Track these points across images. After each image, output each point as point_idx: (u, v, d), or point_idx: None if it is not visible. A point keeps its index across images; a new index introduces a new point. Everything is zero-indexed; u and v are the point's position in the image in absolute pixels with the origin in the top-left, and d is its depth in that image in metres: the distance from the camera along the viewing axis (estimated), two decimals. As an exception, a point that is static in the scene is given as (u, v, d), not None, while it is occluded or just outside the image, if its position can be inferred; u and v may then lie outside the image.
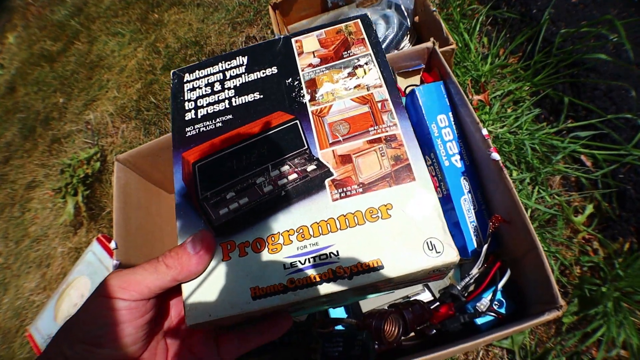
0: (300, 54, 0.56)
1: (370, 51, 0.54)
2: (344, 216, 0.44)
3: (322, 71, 0.54)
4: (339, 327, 0.73)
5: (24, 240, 1.76)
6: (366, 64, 0.53)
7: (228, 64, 0.57)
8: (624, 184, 0.93)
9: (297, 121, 0.50)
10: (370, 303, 0.75)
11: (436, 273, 0.44)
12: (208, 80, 0.56)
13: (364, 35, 0.56)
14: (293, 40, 0.58)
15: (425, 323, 0.68)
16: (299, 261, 0.42)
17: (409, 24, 1.05)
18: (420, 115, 0.77)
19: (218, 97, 0.54)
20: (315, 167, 0.47)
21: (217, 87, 0.55)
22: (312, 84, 0.53)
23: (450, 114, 0.77)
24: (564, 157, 1.00)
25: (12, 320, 1.58)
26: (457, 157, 0.75)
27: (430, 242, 0.41)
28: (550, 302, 0.57)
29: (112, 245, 0.78)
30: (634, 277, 0.83)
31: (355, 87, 0.52)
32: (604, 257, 0.90)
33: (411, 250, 0.41)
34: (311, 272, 0.42)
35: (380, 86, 0.51)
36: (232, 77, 0.56)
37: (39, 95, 2.26)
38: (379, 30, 1.04)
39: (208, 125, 0.52)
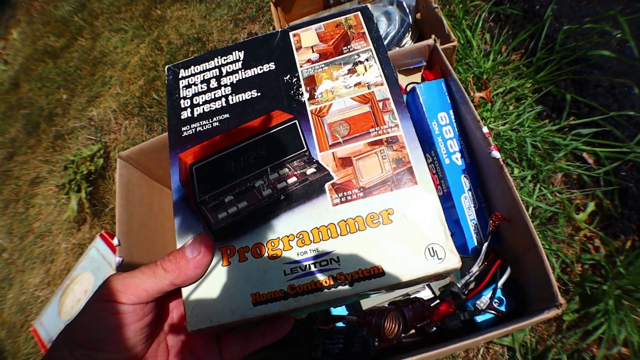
0: (298, 49, 0.55)
1: (371, 46, 0.53)
2: (345, 221, 0.43)
3: (322, 67, 0.53)
4: (340, 324, 0.73)
5: (28, 236, 1.77)
6: (367, 60, 0.52)
7: (224, 59, 0.56)
8: (626, 181, 0.93)
9: (296, 121, 0.49)
10: (371, 301, 0.75)
11: (437, 277, 0.43)
12: (204, 76, 0.55)
13: (365, 29, 0.54)
14: (291, 34, 0.56)
15: (425, 320, 0.69)
16: (300, 267, 0.42)
17: (411, 20, 1.05)
18: (421, 113, 0.77)
19: (214, 94, 0.53)
20: (315, 170, 0.46)
21: (213, 84, 0.54)
22: (311, 82, 0.52)
23: (451, 111, 0.77)
24: (566, 154, 1.00)
25: (17, 315, 1.59)
26: (458, 154, 0.75)
27: (432, 248, 0.41)
28: (550, 300, 0.57)
29: (115, 241, 0.79)
30: (635, 275, 0.83)
31: (355, 85, 0.51)
32: (606, 254, 0.90)
33: (413, 256, 0.41)
34: (312, 279, 0.41)
35: (382, 84, 0.50)
36: (228, 73, 0.54)
37: (42, 91, 2.27)
38: (380, 27, 1.04)
39: (205, 124, 0.51)
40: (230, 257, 0.43)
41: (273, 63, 0.54)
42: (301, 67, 0.53)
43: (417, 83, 0.81)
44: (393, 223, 0.42)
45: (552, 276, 0.57)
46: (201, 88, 0.54)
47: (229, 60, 0.56)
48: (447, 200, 0.75)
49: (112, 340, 0.37)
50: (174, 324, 0.46)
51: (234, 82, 0.54)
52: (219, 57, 0.56)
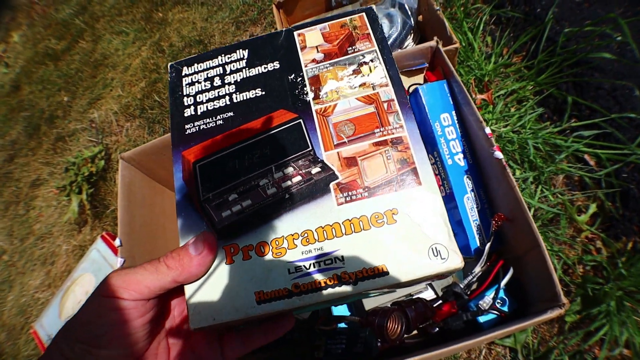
0: (303, 48, 0.54)
1: (376, 47, 0.53)
2: (349, 221, 0.43)
3: (326, 67, 0.52)
4: (342, 325, 0.73)
5: (28, 238, 1.77)
6: (372, 61, 0.52)
7: (228, 58, 0.55)
8: (628, 183, 0.93)
9: (301, 120, 0.49)
10: (373, 301, 0.75)
11: (439, 277, 0.44)
12: (207, 74, 0.55)
13: (370, 30, 0.54)
14: (296, 33, 0.56)
15: (427, 321, 0.69)
16: (304, 266, 0.42)
17: (413, 23, 1.05)
18: (423, 114, 0.77)
19: (218, 92, 0.53)
20: (319, 169, 0.46)
21: (217, 82, 0.54)
22: (316, 81, 0.52)
23: (453, 112, 0.77)
24: (568, 156, 1.00)
25: (17, 317, 1.59)
26: (460, 155, 0.75)
27: (436, 248, 0.41)
28: (552, 300, 0.58)
29: (117, 242, 0.79)
30: (637, 276, 0.83)
31: (360, 85, 0.51)
32: (607, 256, 0.90)
33: (416, 256, 0.41)
34: (316, 277, 0.42)
35: (387, 85, 0.50)
36: (232, 72, 0.54)
37: (43, 93, 2.27)
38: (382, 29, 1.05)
39: (208, 122, 0.51)
40: (234, 256, 0.43)
41: (277, 62, 0.54)
42: (306, 66, 0.53)
43: (420, 84, 0.81)
44: (397, 223, 0.42)
45: (555, 276, 0.57)
46: (205, 86, 0.54)
47: (232, 59, 0.55)
48: (449, 201, 0.75)
49: (112, 336, 0.37)
50: (175, 321, 0.46)
51: (238, 80, 0.53)
52: (223, 55, 0.56)
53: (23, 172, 2.00)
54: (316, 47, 0.54)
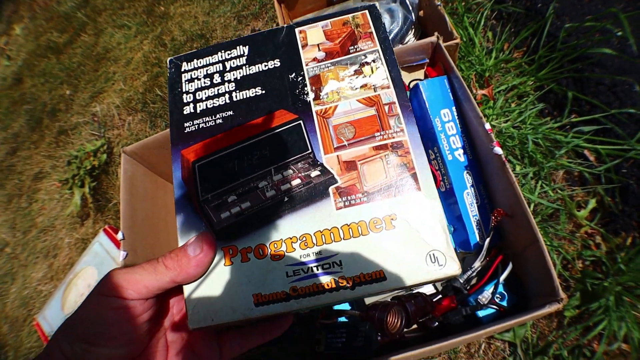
0: (304, 46, 0.54)
1: (379, 47, 0.53)
2: (348, 226, 0.44)
3: (327, 67, 0.52)
4: (342, 319, 0.74)
5: (31, 231, 1.77)
6: (373, 61, 0.52)
7: (228, 54, 0.55)
8: (627, 178, 0.93)
9: (301, 122, 0.49)
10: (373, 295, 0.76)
11: (437, 282, 0.44)
12: (207, 70, 0.54)
13: (372, 29, 0.54)
14: (297, 30, 0.56)
15: (427, 315, 0.69)
16: (302, 269, 0.43)
17: (414, 18, 1.05)
18: (424, 110, 0.77)
19: (218, 90, 0.53)
20: (319, 173, 0.47)
21: (217, 79, 0.54)
22: (317, 81, 0.52)
23: (453, 108, 0.77)
24: (567, 151, 1.00)
25: (20, 310, 1.60)
26: (460, 151, 0.76)
27: (433, 254, 0.42)
28: (551, 294, 0.58)
29: (119, 236, 0.79)
30: (636, 272, 0.83)
31: (361, 86, 0.50)
32: (606, 251, 0.90)
33: (414, 262, 0.41)
34: (314, 281, 0.42)
35: (388, 87, 0.50)
36: (232, 69, 0.54)
37: (45, 86, 2.27)
38: (384, 24, 1.05)
39: (208, 121, 0.51)
40: (233, 257, 0.44)
41: (278, 60, 0.54)
42: (307, 65, 0.53)
43: (420, 80, 0.81)
44: (396, 229, 0.43)
45: (554, 271, 0.58)
46: (204, 83, 0.54)
47: (233, 55, 0.55)
48: (449, 197, 0.76)
49: (111, 334, 0.37)
50: (174, 320, 0.47)
51: (238, 78, 0.53)
52: (223, 51, 0.55)
53: (26, 165, 2.00)
54: (317, 45, 0.54)
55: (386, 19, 1.06)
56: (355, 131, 0.48)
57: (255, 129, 0.50)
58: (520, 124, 1.06)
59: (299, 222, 0.45)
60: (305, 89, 0.51)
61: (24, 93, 2.36)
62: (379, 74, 0.51)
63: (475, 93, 1.11)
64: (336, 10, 1.16)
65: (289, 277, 0.42)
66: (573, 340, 0.85)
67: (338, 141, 0.48)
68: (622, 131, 0.96)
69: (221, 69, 0.54)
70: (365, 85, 0.50)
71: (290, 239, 0.44)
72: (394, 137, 0.47)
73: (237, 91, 0.52)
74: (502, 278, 0.68)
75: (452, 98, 0.78)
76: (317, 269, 0.42)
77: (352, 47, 0.53)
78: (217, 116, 0.51)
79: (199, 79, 0.54)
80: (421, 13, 1.09)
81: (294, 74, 0.53)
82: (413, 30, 1.09)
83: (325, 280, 0.42)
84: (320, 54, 0.53)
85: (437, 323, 0.70)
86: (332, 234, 0.44)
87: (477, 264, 0.70)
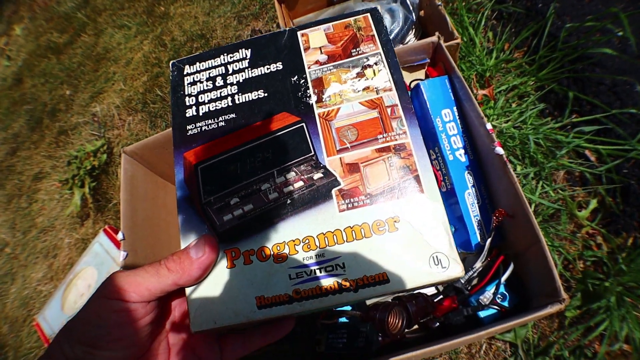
0: (306, 49, 0.54)
1: (381, 50, 0.53)
2: (351, 228, 0.44)
3: (330, 70, 0.52)
4: (343, 319, 0.74)
5: (31, 231, 1.77)
6: (376, 64, 0.52)
7: (230, 57, 0.55)
8: (628, 179, 0.93)
9: (304, 124, 0.49)
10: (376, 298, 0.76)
11: (440, 284, 0.44)
12: (209, 74, 0.54)
13: (374, 32, 0.54)
14: (299, 33, 0.56)
15: (428, 316, 0.69)
16: (305, 272, 0.43)
17: (415, 18, 1.05)
18: (424, 110, 0.77)
19: (220, 93, 0.53)
20: (322, 175, 0.47)
21: (219, 82, 0.54)
22: (319, 84, 0.52)
23: (454, 108, 0.77)
24: (568, 152, 1.00)
25: (20, 310, 1.60)
26: (462, 151, 0.75)
27: (437, 256, 0.42)
28: (552, 295, 0.58)
29: (120, 236, 0.79)
30: (637, 272, 0.83)
31: (364, 89, 0.50)
32: (608, 251, 0.90)
33: (417, 264, 0.42)
34: (317, 284, 0.42)
35: (390, 90, 0.50)
36: (234, 72, 0.54)
37: (45, 87, 2.27)
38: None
39: (210, 124, 0.51)
40: (235, 260, 0.44)
41: (280, 63, 0.54)
42: (309, 68, 0.53)
43: (421, 80, 0.81)
44: (399, 231, 0.43)
45: (555, 271, 0.58)
46: (207, 86, 0.54)
47: (235, 58, 0.55)
48: (450, 197, 0.75)
49: (113, 337, 0.37)
50: (175, 322, 0.47)
51: (241, 81, 0.53)
52: (225, 54, 0.55)
53: (26, 165, 2.00)
54: (320, 48, 0.54)
55: (387, 19, 1.06)
56: (358, 133, 0.48)
57: (258, 131, 0.50)
58: (521, 124, 1.06)
59: (301, 225, 0.45)
60: (308, 91, 0.51)
61: (24, 93, 2.36)
62: (381, 77, 0.51)
63: (476, 93, 1.11)
64: (336, 11, 1.16)
65: (292, 279, 0.42)
66: (574, 341, 0.85)
67: (341, 144, 0.48)
68: (623, 131, 0.96)
69: (223, 72, 0.54)
70: (368, 87, 0.50)
71: (293, 241, 0.44)
72: (396, 140, 0.47)
73: (240, 94, 0.52)
74: (503, 278, 0.68)
75: (453, 98, 0.78)
76: (320, 272, 0.42)
77: (354, 50, 0.53)
78: (220, 119, 0.51)
79: (202, 82, 0.54)
80: (422, 13, 1.09)
81: (296, 77, 0.53)
82: (414, 30, 1.09)
83: (328, 282, 0.42)
84: (323, 57, 0.53)
85: (438, 323, 0.70)
86: (335, 236, 0.44)
87: (478, 265, 0.70)
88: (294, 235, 0.44)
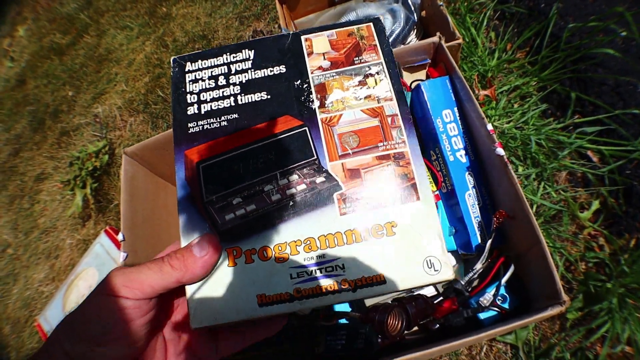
0: (310, 54, 0.55)
1: (382, 60, 0.54)
2: (351, 231, 0.45)
3: (333, 76, 0.53)
4: (343, 321, 0.73)
5: (33, 232, 1.77)
6: (377, 73, 0.53)
7: (233, 57, 0.55)
8: (631, 180, 0.93)
9: (306, 128, 0.50)
10: (374, 297, 0.75)
11: (432, 285, 0.45)
12: (212, 72, 0.54)
13: (376, 42, 0.55)
14: (303, 38, 0.56)
15: (428, 317, 0.69)
16: (306, 272, 0.44)
17: (416, 18, 1.05)
18: (425, 110, 0.77)
19: (223, 92, 0.53)
20: (324, 179, 0.48)
21: (222, 81, 0.53)
22: (322, 89, 0.52)
23: (455, 109, 0.77)
24: (571, 152, 1.00)
25: (22, 310, 1.60)
26: (462, 152, 0.75)
27: (430, 260, 0.44)
28: (553, 297, 0.57)
29: (120, 237, 0.79)
30: (639, 273, 0.83)
31: (365, 97, 0.51)
32: (610, 253, 0.90)
33: (412, 267, 0.44)
34: (317, 283, 0.43)
35: (391, 99, 0.51)
36: (237, 72, 0.54)
37: (48, 88, 2.27)
38: (385, 24, 1.04)
39: (212, 122, 0.51)
40: (237, 258, 0.44)
41: (284, 66, 0.54)
42: (312, 73, 0.53)
43: (422, 80, 0.81)
44: (396, 235, 0.45)
45: (556, 273, 0.57)
46: (209, 84, 0.53)
47: (238, 59, 0.55)
48: (451, 198, 0.75)
49: (116, 335, 0.37)
50: (174, 320, 0.47)
51: (244, 81, 0.53)
52: (228, 53, 0.55)
53: (28, 166, 2.00)
54: (323, 54, 0.55)
55: (388, 19, 1.05)
56: (360, 140, 0.49)
57: (261, 133, 0.50)
58: (523, 124, 1.06)
59: (303, 226, 0.46)
60: (311, 96, 0.52)
61: (27, 94, 2.36)
62: (383, 86, 0.52)
63: (477, 94, 1.11)
64: (338, 11, 1.16)
65: (293, 279, 0.43)
66: (576, 343, 0.85)
67: (342, 149, 0.49)
68: (626, 132, 0.96)
69: (226, 71, 0.54)
70: (369, 96, 0.52)
71: (295, 242, 0.45)
72: (396, 148, 0.49)
73: (243, 94, 0.52)
74: (503, 280, 0.68)
75: (454, 98, 0.78)
76: (320, 272, 0.44)
77: (357, 58, 0.54)
78: (222, 118, 0.51)
79: (204, 80, 0.54)
80: (423, 13, 1.09)
81: (299, 81, 0.53)
82: (415, 30, 1.08)
83: (328, 282, 0.43)
84: (326, 63, 0.54)
85: (438, 325, 0.70)
86: (335, 238, 0.45)
87: (478, 266, 0.69)
88: (296, 236, 0.45)
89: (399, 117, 0.50)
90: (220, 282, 0.43)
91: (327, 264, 0.44)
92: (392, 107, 0.51)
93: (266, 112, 0.51)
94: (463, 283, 0.70)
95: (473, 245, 0.72)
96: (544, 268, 0.59)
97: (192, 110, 0.52)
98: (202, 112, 0.51)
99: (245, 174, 0.48)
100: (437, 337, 0.71)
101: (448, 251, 0.77)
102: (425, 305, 0.67)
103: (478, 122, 0.71)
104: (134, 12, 2.21)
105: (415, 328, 0.76)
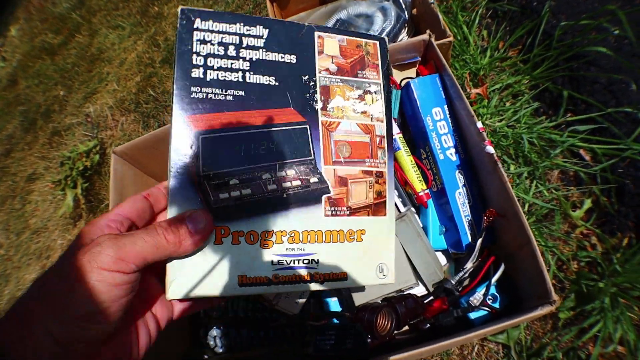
0: (320, 52, 0.55)
1: (381, 82, 0.57)
2: (330, 232, 0.51)
3: (337, 82, 0.55)
4: (333, 321, 0.73)
5: (24, 232, 1.77)
6: (375, 92, 0.57)
7: (247, 30, 0.52)
8: (623, 178, 0.92)
9: (308, 126, 0.52)
10: (363, 296, 0.74)
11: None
12: (222, 39, 0.50)
13: (379, 62, 0.58)
14: (316, 34, 0.56)
15: (418, 317, 0.68)
16: (286, 261, 0.49)
17: (407, 16, 1.04)
18: (415, 108, 0.76)
19: (232, 64, 0.50)
20: (317, 180, 0.51)
21: (232, 51, 0.51)
22: (326, 92, 0.54)
23: (445, 107, 0.76)
24: (563, 151, 0.99)
25: (13, 312, 1.59)
26: (452, 150, 0.74)
27: (381, 266, 0.54)
28: (543, 296, 0.57)
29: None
30: (631, 273, 0.82)
31: (362, 112, 0.55)
32: (602, 252, 0.89)
33: (367, 269, 0.53)
34: (294, 273, 0.50)
35: (382, 121, 0.56)
36: (249, 47, 0.52)
37: (40, 88, 2.26)
38: (376, 23, 1.03)
39: (217, 93, 0.49)
40: (224, 237, 0.46)
41: (295, 57, 0.54)
42: (320, 73, 0.55)
43: (412, 78, 0.80)
44: (363, 242, 0.53)
45: (546, 272, 0.57)
46: (218, 50, 0.50)
47: (252, 33, 0.52)
48: (441, 196, 0.74)
49: (112, 310, 0.35)
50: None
51: (254, 59, 0.52)
52: (242, 24, 0.52)
53: (19, 167, 2.00)
54: (332, 57, 0.56)
55: (379, 17, 1.05)
56: (351, 152, 0.54)
57: (266, 118, 0.51)
58: (515, 123, 1.05)
59: (290, 220, 0.50)
60: (315, 96, 0.54)
61: (19, 94, 2.35)
62: (377, 107, 0.57)
63: (469, 92, 1.10)
64: (328, 10, 1.15)
65: (274, 265, 0.48)
66: (568, 342, 0.84)
67: (336, 156, 0.53)
68: (618, 130, 0.95)
69: (237, 42, 0.51)
70: (365, 112, 0.56)
71: (281, 232, 0.49)
72: (378, 167, 0.55)
73: (252, 73, 0.51)
74: (493, 280, 0.67)
75: (444, 96, 0.77)
76: (298, 263, 0.49)
77: (360, 72, 0.57)
78: (228, 92, 0.50)
79: (213, 44, 0.50)
80: (414, 11, 1.08)
81: (307, 77, 0.54)
82: (406, 28, 1.08)
83: (303, 273, 0.49)
84: (333, 67, 0.56)
85: (428, 325, 0.69)
86: (316, 235, 0.51)
87: (469, 265, 0.69)
88: (283, 227, 0.49)
89: (385, 139, 0.56)
90: (204, 258, 0.45)
91: (305, 257, 0.50)
92: (381, 128, 0.56)
93: (272, 100, 0.51)
94: (453, 282, 0.69)
95: (463, 244, 0.71)
96: (534, 267, 0.59)
97: (196, 73, 0.49)
98: (208, 79, 0.49)
99: (246, 157, 0.49)
100: (428, 337, 0.71)
101: (439, 250, 0.77)
102: (415, 305, 0.66)
103: (468, 120, 0.71)
104: (125, 12, 2.21)
105: (406, 328, 0.75)
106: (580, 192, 0.96)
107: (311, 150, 0.52)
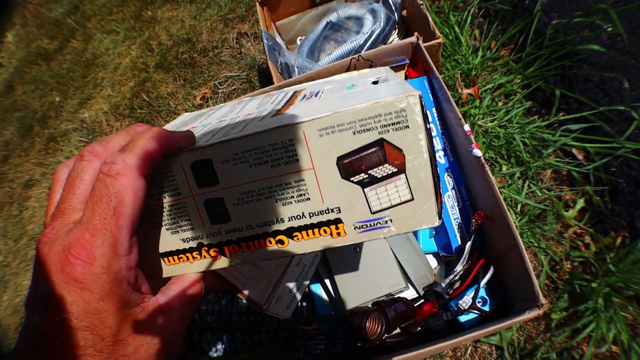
0: None
1: None
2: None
3: None
4: (323, 325, 0.73)
5: (22, 239, 1.77)
6: None
7: None
8: (616, 177, 0.92)
9: None
10: (353, 301, 0.74)
11: None
12: None
13: None
14: None
15: (408, 320, 0.68)
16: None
17: (397, 18, 1.04)
18: (403, 111, 0.76)
19: None
20: None
21: None
22: None
23: (434, 109, 0.76)
24: (555, 150, 0.99)
25: (12, 317, 1.59)
26: (441, 153, 0.74)
27: None
28: (532, 300, 0.57)
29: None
30: (625, 272, 0.82)
31: None
32: (596, 252, 0.89)
33: None
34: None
35: None
36: None
37: (36, 93, 2.27)
38: (366, 25, 1.03)
39: None
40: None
41: None
42: None
43: (401, 81, 0.80)
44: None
45: (534, 276, 0.56)
46: None
47: None
48: (430, 199, 0.74)
49: None
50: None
51: None
52: None
53: (17, 173, 2.00)
54: None
55: (369, 19, 1.05)
56: None
57: None
58: (507, 123, 1.05)
59: None
60: None
61: (15, 100, 2.36)
62: None
63: (460, 92, 1.10)
64: (319, 12, 1.14)
65: None
66: (561, 343, 0.84)
67: None
68: (611, 129, 0.95)
69: None
70: None
71: None
72: None
73: None
74: (482, 283, 0.67)
75: (432, 99, 0.77)
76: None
77: None
78: None
79: None
80: (404, 13, 1.08)
81: None
82: (396, 30, 1.07)
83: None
84: None
85: (419, 328, 0.69)
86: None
87: (459, 268, 0.68)
88: None
89: None
90: None
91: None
92: None
93: None
94: (444, 285, 0.69)
95: (453, 247, 0.71)
96: (522, 270, 0.58)
97: None
98: None
99: None
100: (420, 340, 0.71)
101: (429, 253, 0.76)
102: (405, 308, 0.66)
103: (455, 123, 0.70)
104: (120, 16, 2.21)
105: (397, 331, 0.75)
106: (573, 192, 0.95)
107: None
